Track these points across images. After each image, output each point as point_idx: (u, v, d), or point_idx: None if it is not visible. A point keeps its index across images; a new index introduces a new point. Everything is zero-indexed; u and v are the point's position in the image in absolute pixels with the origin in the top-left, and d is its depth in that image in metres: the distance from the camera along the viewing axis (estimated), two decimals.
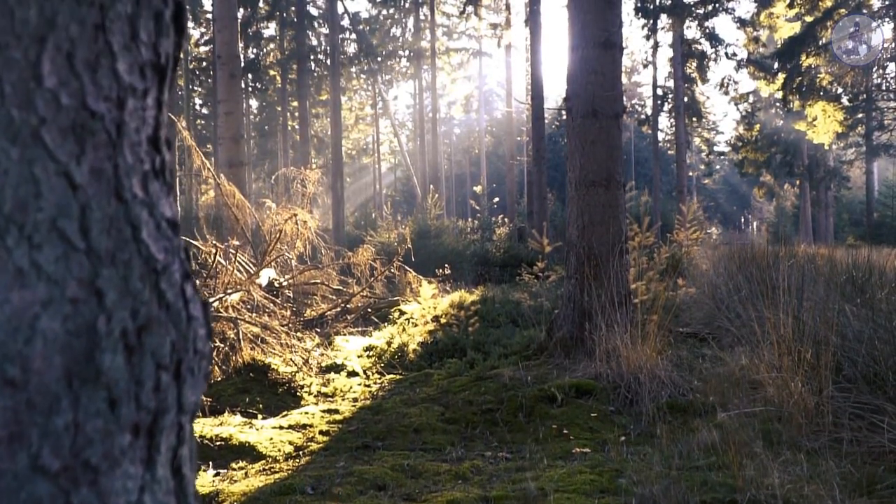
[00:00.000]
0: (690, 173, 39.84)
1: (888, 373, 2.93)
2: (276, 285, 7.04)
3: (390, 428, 3.27)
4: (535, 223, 15.08)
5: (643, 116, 30.19)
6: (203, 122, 33.09)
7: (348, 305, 6.41)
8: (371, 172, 40.71)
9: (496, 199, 20.62)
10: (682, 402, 3.36)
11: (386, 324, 6.23)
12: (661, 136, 32.30)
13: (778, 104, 24.84)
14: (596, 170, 4.08)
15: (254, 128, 33.48)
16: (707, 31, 21.93)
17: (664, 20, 22.41)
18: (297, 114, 27.45)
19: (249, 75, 26.28)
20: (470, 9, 22.43)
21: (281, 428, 3.36)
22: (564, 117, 4.55)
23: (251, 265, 6.85)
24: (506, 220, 15.97)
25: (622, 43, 4.13)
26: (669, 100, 25.67)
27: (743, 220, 53.06)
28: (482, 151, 37.14)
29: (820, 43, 18.14)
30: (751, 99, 24.47)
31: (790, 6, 18.23)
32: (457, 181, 47.62)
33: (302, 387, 3.98)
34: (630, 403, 3.44)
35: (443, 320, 6.02)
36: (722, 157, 29.57)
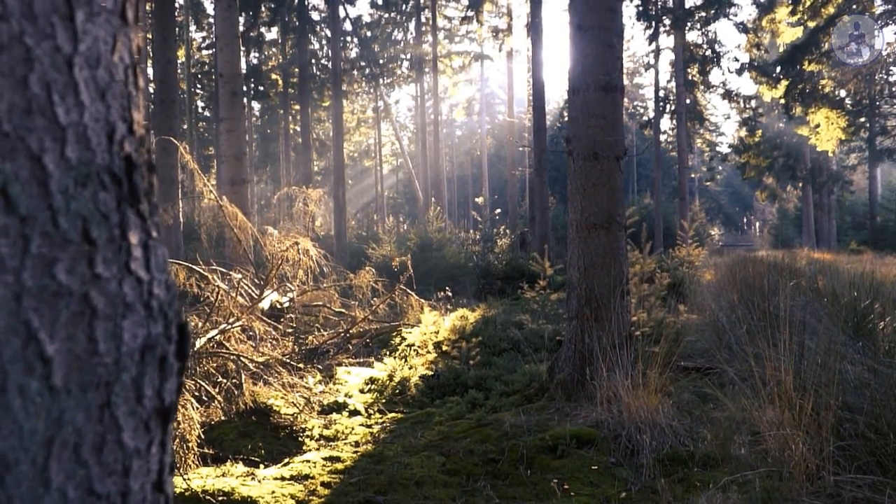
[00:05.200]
0: (692, 175, 39.83)
1: (889, 432, 2.94)
2: (279, 307, 7.07)
3: (392, 480, 3.28)
4: (536, 231, 15.10)
5: (645, 119, 30.15)
6: (204, 124, 33.15)
7: (350, 331, 6.42)
8: (373, 174, 40.75)
9: (497, 210, 20.61)
10: (683, 454, 3.37)
11: (387, 350, 6.25)
12: (662, 137, 32.27)
13: (780, 107, 24.81)
14: (597, 212, 4.08)
15: (255, 130, 33.49)
16: (708, 36, 21.89)
17: (666, 23, 22.36)
18: (299, 117, 27.48)
19: (251, 80, 26.28)
20: (471, 13, 22.43)
21: (283, 479, 3.37)
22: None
23: (253, 287, 6.88)
24: (507, 231, 15.98)
25: (623, 85, 4.13)
26: (671, 102, 25.63)
27: (745, 221, 53.02)
28: (484, 155, 37.13)
29: (823, 49, 18.08)
30: (753, 104, 24.44)
31: (792, 12, 18.17)
32: (459, 183, 47.62)
33: (304, 430, 3.99)
34: (631, 454, 3.45)
35: (444, 347, 6.04)
36: (724, 161, 29.54)
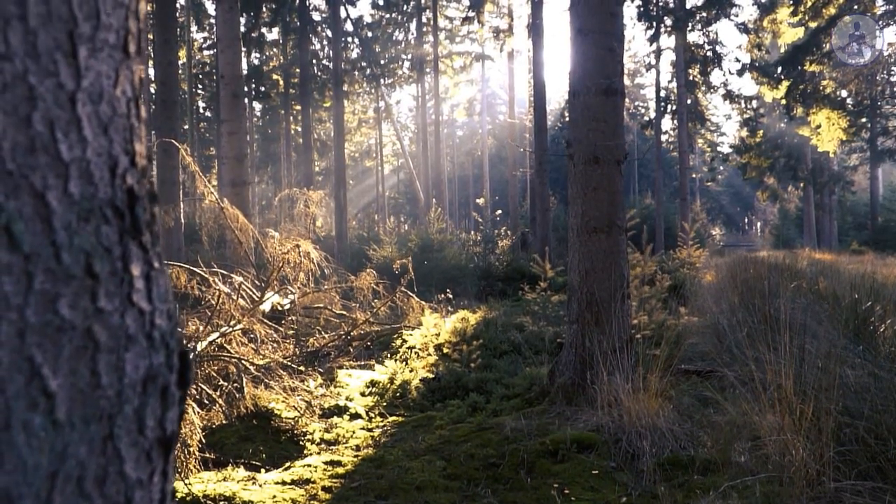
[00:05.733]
0: (694, 175, 39.82)
1: (889, 437, 2.94)
2: (280, 308, 7.08)
3: (392, 485, 3.29)
4: (537, 232, 15.11)
5: (646, 119, 30.15)
6: (205, 124, 33.17)
7: (351, 333, 6.43)
8: (374, 175, 40.75)
9: (499, 211, 20.64)
10: (684, 458, 3.37)
11: (388, 352, 6.26)
12: (664, 137, 32.27)
13: (781, 108, 24.79)
14: (597, 216, 4.08)
15: (256, 131, 33.51)
16: (709, 36, 21.88)
17: (667, 24, 22.34)
18: (300, 118, 27.51)
19: (253, 80, 26.29)
20: (472, 14, 22.43)
21: (284, 483, 3.38)
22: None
23: (254, 289, 6.89)
24: (508, 232, 15.99)
25: (624, 89, 4.14)
26: (672, 102, 25.62)
27: (746, 221, 52.97)
28: (485, 155, 37.15)
29: (824, 50, 18.08)
30: (754, 104, 24.43)
31: (793, 13, 18.16)
32: (460, 183, 47.64)
33: (305, 434, 4.00)
34: (631, 459, 3.45)
35: (445, 350, 6.05)
36: (725, 162, 29.54)
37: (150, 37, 15.08)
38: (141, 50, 0.57)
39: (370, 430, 4.25)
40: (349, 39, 26.89)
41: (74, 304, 0.48)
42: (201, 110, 32.34)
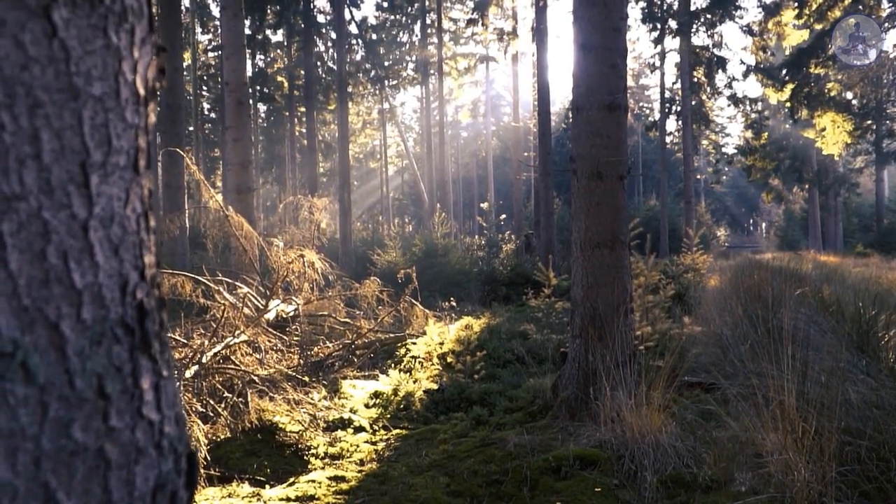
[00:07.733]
0: (698, 176, 39.73)
1: (891, 458, 2.95)
2: (284, 316, 7.11)
3: (396, 502, 3.30)
4: (541, 236, 15.12)
5: (651, 121, 30.09)
6: (210, 126, 33.27)
7: (356, 342, 6.46)
8: (378, 176, 40.79)
9: (503, 216, 20.68)
10: (686, 476, 3.38)
11: (392, 362, 6.28)
12: (668, 138, 32.18)
13: (786, 110, 24.71)
14: (601, 231, 4.10)
15: (261, 133, 33.59)
16: (714, 39, 21.83)
17: (672, 26, 22.30)
18: (304, 120, 27.55)
19: (257, 83, 26.35)
20: (476, 16, 22.45)
21: (288, 500, 3.40)
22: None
23: (258, 297, 6.92)
24: (512, 236, 15.99)
25: (627, 104, 4.15)
26: (677, 103, 25.55)
27: (751, 222, 52.82)
28: (489, 157, 37.14)
29: (828, 53, 18.03)
30: (759, 106, 24.35)
31: (798, 16, 18.12)
32: (464, 184, 47.63)
33: (309, 448, 4.02)
34: (634, 476, 3.46)
35: (449, 359, 6.07)
36: (730, 164, 29.45)
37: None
38: (150, 162, 0.59)
39: (374, 443, 4.27)
40: (353, 41, 26.92)
41: (87, 427, 0.50)
42: (206, 112, 32.44)
